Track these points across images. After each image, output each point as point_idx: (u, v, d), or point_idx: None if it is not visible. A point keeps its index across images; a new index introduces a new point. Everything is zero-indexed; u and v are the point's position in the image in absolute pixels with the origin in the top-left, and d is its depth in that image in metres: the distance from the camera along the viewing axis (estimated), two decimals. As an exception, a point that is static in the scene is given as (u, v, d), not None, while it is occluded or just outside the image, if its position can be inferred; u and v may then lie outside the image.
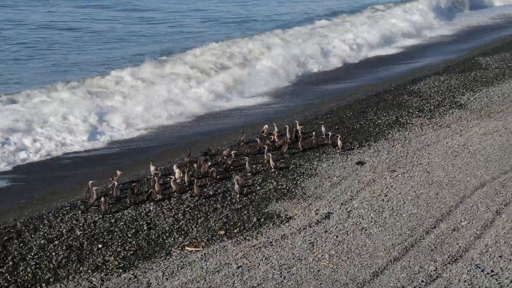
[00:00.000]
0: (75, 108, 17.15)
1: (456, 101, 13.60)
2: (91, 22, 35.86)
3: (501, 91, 14.34)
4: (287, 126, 11.67)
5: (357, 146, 11.06)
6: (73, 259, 7.44)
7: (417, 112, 12.92)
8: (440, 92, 14.42)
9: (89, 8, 41.06)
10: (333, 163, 10.27)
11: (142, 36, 33.33)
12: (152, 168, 9.62)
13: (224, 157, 10.38)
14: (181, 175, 9.41)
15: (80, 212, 8.66)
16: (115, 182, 9.17)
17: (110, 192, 9.05)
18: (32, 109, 17.37)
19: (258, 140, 11.39)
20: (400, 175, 9.62)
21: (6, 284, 6.96)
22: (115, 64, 24.83)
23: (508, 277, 6.72)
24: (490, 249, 7.33)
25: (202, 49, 26.46)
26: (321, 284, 6.73)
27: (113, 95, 20.54)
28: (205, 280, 6.82)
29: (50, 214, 8.62)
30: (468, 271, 6.87)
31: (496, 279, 6.67)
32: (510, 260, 7.08)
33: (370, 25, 29.34)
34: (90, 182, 9.08)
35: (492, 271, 6.83)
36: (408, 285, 6.66)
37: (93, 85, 21.92)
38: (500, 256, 7.14)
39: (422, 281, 6.70)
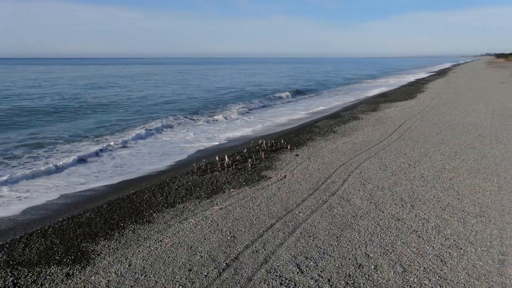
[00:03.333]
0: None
1: (333, 130, 13.71)
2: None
3: (349, 125, 14.46)
4: (268, 140, 11.70)
5: (295, 148, 11.06)
6: (187, 194, 7.65)
7: (318, 135, 12.94)
8: (326, 126, 14.39)
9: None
10: (286, 155, 10.33)
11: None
12: (217, 157, 9.70)
13: (244, 152, 10.53)
14: (228, 160, 9.47)
15: (190, 175, 8.80)
16: (204, 163, 9.29)
17: (202, 166, 9.12)
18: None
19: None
20: (312, 160, 9.75)
21: (163, 202, 7.15)
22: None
23: (355, 201, 6.86)
24: (346, 190, 7.53)
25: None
26: (282, 203, 6.90)
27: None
28: (238, 203, 7.02)
29: (179, 175, 8.77)
30: (338, 199, 7.06)
31: (348, 201, 6.87)
32: (354, 194, 7.23)
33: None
34: (194, 164, 9.29)
35: (347, 199, 7.04)
36: (316, 204, 6.84)
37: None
38: (350, 193, 7.34)
39: (321, 203, 6.89)
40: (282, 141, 11.79)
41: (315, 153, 10.58)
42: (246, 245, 5.39)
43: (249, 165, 9.35)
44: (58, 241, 5.70)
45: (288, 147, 11.18)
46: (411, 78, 48.21)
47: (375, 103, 21.94)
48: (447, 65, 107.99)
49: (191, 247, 5.40)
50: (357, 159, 9.73)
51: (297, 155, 10.40)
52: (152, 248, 5.42)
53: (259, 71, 76.82)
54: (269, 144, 11.45)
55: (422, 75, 54.73)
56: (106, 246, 5.57)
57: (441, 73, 59.07)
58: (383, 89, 32.83)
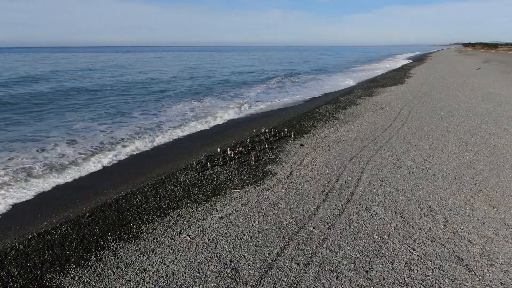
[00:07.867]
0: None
1: (334, 116, 11.82)
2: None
3: (349, 111, 12.48)
4: (271, 128, 9.91)
5: (299, 137, 9.22)
6: (184, 196, 5.78)
7: (320, 121, 11.01)
8: (327, 112, 12.43)
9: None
10: (290, 145, 8.48)
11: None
12: (218, 149, 7.96)
13: (247, 143, 8.60)
14: (230, 152, 7.68)
15: (189, 171, 6.91)
16: (204, 156, 7.47)
17: (202, 160, 7.36)
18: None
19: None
20: (318, 151, 7.90)
21: (155, 209, 5.32)
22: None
23: (377, 211, 5.08)
24: (362, 194, 5.63)
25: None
26: (291, 212, 5.07)
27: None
28: (240, 210, 5.19)
29: (177, 172, 6.88)
30: (356, 207, 5.18)
31: (368, 211, 5.00)
32: (373, 199, 5.38)
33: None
34: (194, 157, 7.46)
35: (367, 207, 5.17)
36: (331, 215, 4.99)
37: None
38: (368, 198, 5.49)
39: (337, 214, 5.04)
40: (286, 129, 9.80)
41: (320, 142, 8.64)
42: (252, 286, 3.44)
43: (253, 158, 7.41)
44: (16, 272, 3.76)
45: (292, 135, 9.21)
46: (396, 64, 45.26)
47: (368, 88, 19.66)
48: (423, 52, 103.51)
49: (180, 287, 3.45)
50: (366, 151, 7.78)
51: (301, 145, 8.47)
52: (132, 284, 3.48)
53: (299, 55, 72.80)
54: (272, 132, 9.48)
55: (405, 61, 51.58)
56: (76, 278, 3.66)
57: (420, 59, 55.90)
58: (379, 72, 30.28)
